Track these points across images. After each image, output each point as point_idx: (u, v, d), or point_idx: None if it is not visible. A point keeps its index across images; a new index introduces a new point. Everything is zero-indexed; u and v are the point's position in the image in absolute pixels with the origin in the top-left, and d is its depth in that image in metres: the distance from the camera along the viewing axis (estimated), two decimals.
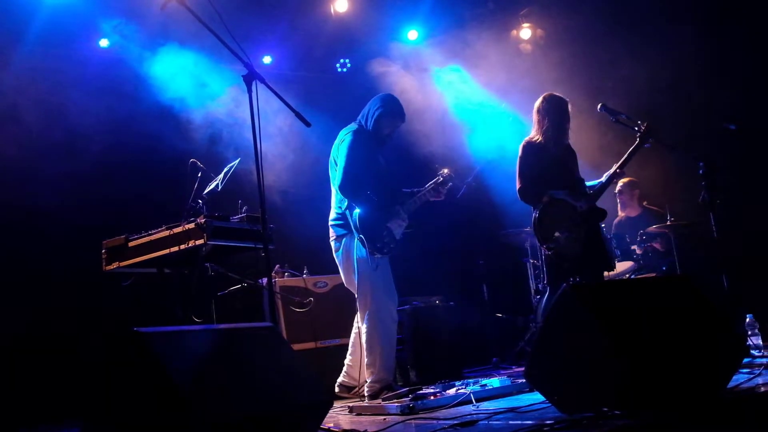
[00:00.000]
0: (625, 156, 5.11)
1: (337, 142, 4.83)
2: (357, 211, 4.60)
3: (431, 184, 4.90)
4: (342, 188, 4.64)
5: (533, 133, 5.13)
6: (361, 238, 4.58)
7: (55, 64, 6.20)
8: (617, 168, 5.11)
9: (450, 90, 7.93)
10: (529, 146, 5.07)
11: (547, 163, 5.03)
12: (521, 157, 5.06)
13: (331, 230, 4.83)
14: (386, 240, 4.65)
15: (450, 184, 4.92)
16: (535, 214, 4.99)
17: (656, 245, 6.57)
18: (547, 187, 5.00)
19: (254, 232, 4.78)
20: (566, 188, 5.01)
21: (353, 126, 4.84)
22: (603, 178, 5.18)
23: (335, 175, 4.75)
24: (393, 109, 4.87)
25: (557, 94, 5.16)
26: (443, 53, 7.82)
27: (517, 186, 5.06)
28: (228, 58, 4.91)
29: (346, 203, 4.69)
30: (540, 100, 5.15)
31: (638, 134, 5.10)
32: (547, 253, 4.95)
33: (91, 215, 5.89)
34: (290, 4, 7.30)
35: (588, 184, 5.21)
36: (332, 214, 4.83)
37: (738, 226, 6.09)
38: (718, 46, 6.90)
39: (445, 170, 4.93)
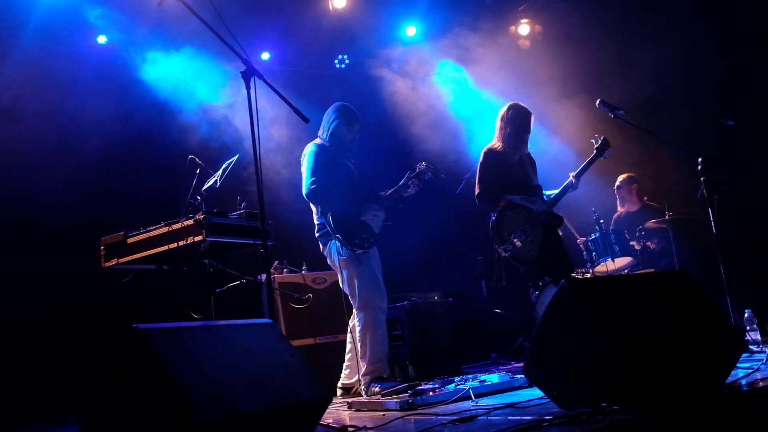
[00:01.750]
0: (582, 166, 5.42)
1: (302, 158, 4.91)
2: (330, 213, 4.66)
3: (405, 178, 4.95)
4: (309, 195, 4.72)
5: (494, 141, 5.36)
6: (338, 237, 4.64)
7: (52, 61, 6.19)
8: (573, 177, 5.37)
9: (448, 86, 7.93)
10: (490, 153, 5.31)
11: (506, 169, 5.28)
12: (481, 163, 5.32)
13: (319, 243, 4.91)
14: (364, 235, 4.70)
15: (427, 176, 4.96)
16: (492, 217, 5.22)
17: (652, 244, 6.57)
18: (504, 192, 5.21)
19: (253, 229, 4.80)
20: (523, 194, 5.17)
21: (314, 141, 4.94)
22: (558, 190, 5.41)
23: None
24: (348, 117, 4.93)
25: (522, 104, 5.43)
26: (441, 49, 7.82)
27: (476, 191, 5.29)
28: (226, 55, 4.91)
29: (320, 210, 4.77)
30: (505, 108, 5.42)
31: (595, 147, 5.46)
32: (504, 255, 5.09)
33: (90, 211, 5.89)
34: (288, 1, 7.29)
35: (545, 192, 5.40)
36: (315, 228, 4.90)
37: (736, 222, 6.09)
38: (717, 42, 6.89)
39: (423, 164, 5.01)
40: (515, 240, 5.09)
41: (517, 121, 5.30)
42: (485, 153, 5.32)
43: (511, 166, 5.29)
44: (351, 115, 4.96)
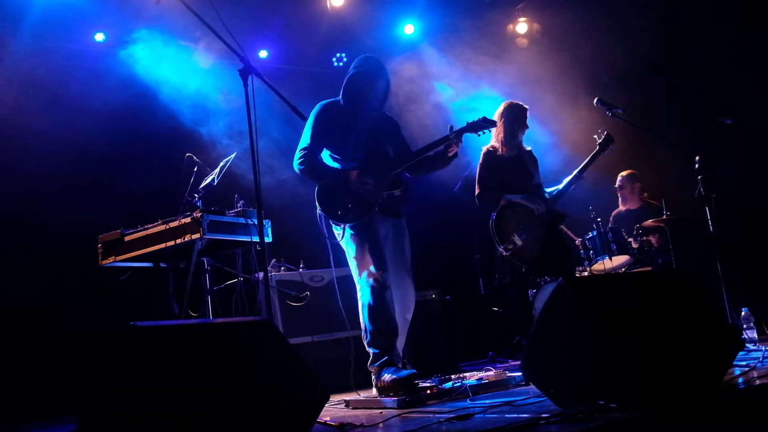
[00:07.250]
0: (585, 162, 5.38)
1: None
2: (317, 186, 4.18)
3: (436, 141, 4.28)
4: (296, 167, 4.25)
5: (491, 141, 5.38)
6: (319, 212, 4.16)
7: (49, 59, 6.18)
8: (577, 173, 5.36)
9: (446, 84, 7.93)
10: (487, 153, 5.40)
11: (505, 168, 5.33)
12: (480, 164, 5.40)
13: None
14: (350, 206, 4.09)
15: (478, 131, 4.28)
16: (492, 217, 5.22)
17: (652, 239, 6.57)
18: (504, 192, 5.26)
19: (250, 226, 4.79)
20: (523, 192, 5.19)
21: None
22: (562, 185, 5.41)
23: None
24: (359, 68, 4.36)
25: (516, 102, 5.44)
26: (439, 47, 7.82)
27: (476, 191, 5.31)
28: (224, 53, 4.91)
29: None
30: (500, 108, 5.43)
31: (598, 142, 5.40)
32: (505, 254, 5.11)
33: (87, 209, 5.88)
34: None
35: (548, 189, 5.41)
36: None
37: (733, 220, 6.10)
38: (716, 40, 6.89)
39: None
40: (516, 239, 5.10)
41: (511, 118, 5.35)
42: (483, 154, 5.40)
43: (509, 164, 5.32)
44: (369, 65, 4.36)
